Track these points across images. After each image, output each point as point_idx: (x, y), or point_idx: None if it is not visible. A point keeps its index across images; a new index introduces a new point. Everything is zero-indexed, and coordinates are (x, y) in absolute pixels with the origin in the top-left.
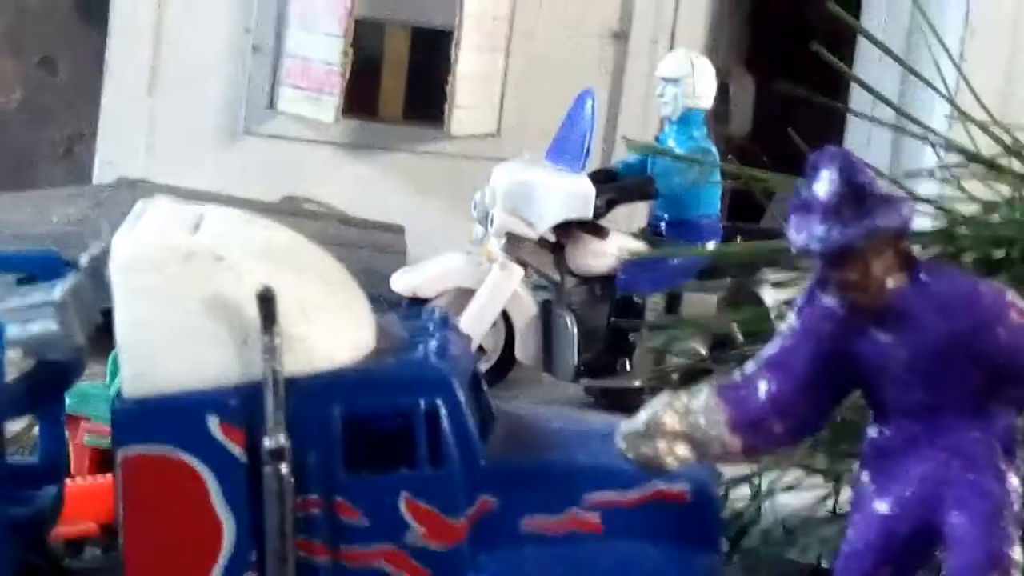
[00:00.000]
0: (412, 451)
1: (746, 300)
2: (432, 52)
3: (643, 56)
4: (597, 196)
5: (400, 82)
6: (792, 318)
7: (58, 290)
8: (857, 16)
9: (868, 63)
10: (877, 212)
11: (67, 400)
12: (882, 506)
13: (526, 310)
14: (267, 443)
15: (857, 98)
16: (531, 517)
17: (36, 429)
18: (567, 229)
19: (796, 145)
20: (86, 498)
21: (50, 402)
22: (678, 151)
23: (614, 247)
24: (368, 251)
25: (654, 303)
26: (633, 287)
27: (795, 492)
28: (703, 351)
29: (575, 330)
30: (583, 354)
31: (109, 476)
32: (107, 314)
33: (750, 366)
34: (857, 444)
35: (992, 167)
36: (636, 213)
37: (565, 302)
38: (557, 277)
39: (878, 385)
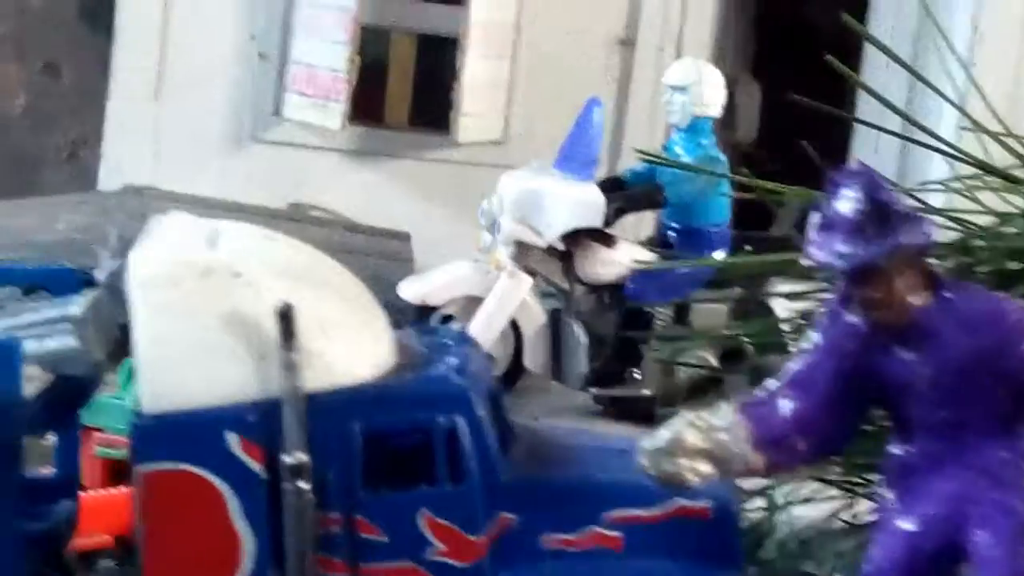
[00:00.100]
0: (432, 468)
1: (755, 310)
2: (438, 59)
3: (649, 64)
4: (606, 205)
5: (406, 89)
6: (815, 335)
7: (76, 305)
8: (864, 23)
9: (875, 69)
10: (900, 230)
11: None
12: (906, 524)
13: (535, 318)
14: (286, 459)
15: (864, 106)
16: (551, 534)
17: (49, 440)
18: (576, 237)
19: (803, 151)
20: (100, 511)
21: (68, 418)
22: (686, 159)
23: (623, 256)
24: (374, 258)
25: (663, 312)
26: (642, 296)
27: (810, 505)
28: (712, 361)
29: (584, 339)
30: (592, 363)
31: (122, 488)
32: (125, 330)
33: (773, 383)
34: (872, 457)
35: (1006, 179)
36: (643, 221)
37: (574, 310)
38: (566, 285)
39: (902, 403)
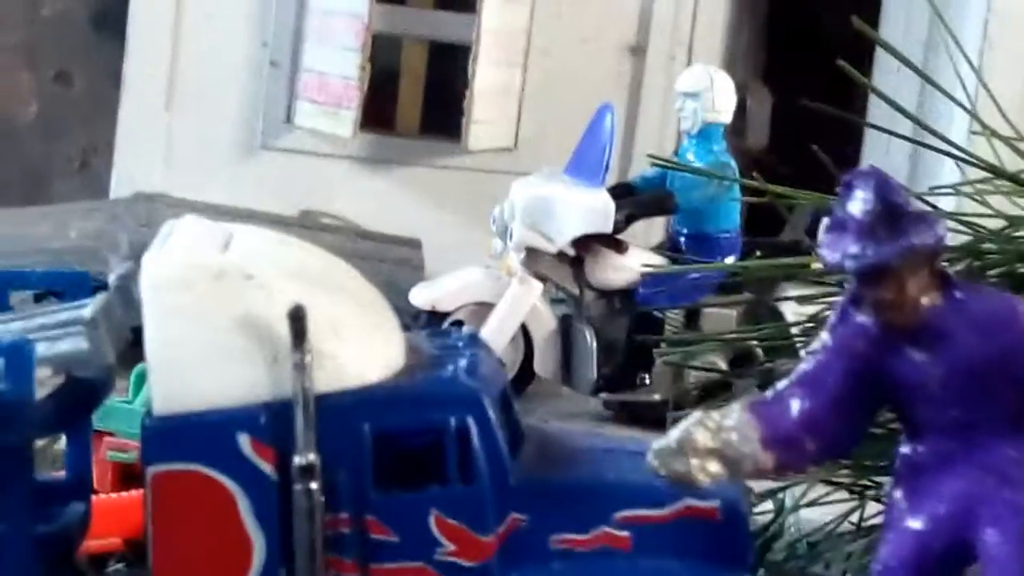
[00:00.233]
0: (442, 468)
1: (766, 315)
2: (449, 67)
3: (660, 71)
4: (616, 210)
5: (417, 96)
6: (825, 336)
7: (88, 308)
8: (875, 30)
9: (886, 75)
10: (912, 231)
11: None
12: (915, 523)
13: (545, 324)
14: (297, 460)
15: (874, 111)
16: (560, 534)
17: (61, 442)
18: (586, 243)
19: (814, 157)
20: (111, 513)
21: (79, 420)
22: (698, 165)
23: (633, 261)
24: (386, 265)
25: (673, 317)
26: (652, 301)
27: (819, 507)
28: (723, 366)
29: (594, 344)
30: (602, 368)
31: (133, 491)
32: (136, 332)
33: (783, 383)
34: (881, 459)
35: (1017, 182)
36: (654, 227)
37: (584, 316)
38: (576, 291)
39: (912, 403)
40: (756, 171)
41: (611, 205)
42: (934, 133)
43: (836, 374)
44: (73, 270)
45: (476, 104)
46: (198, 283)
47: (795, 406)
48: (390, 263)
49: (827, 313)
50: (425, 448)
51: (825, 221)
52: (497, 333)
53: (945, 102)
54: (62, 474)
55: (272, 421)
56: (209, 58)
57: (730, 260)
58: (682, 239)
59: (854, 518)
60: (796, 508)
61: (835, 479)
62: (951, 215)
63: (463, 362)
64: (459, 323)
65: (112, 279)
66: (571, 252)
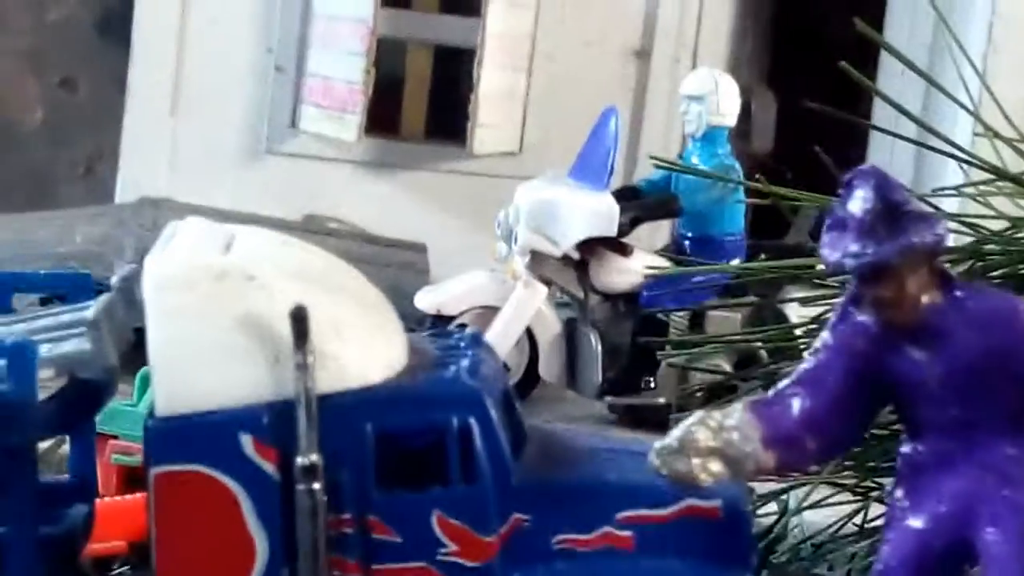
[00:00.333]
0: (445, 469)
1: (770, 318)
2: (454, 71)
3: (665, 75)
4: (621, 214)
5: (422, 101)
6: (826, 335)
7: (91, 310)
8: (879, 33)
9: (890, 78)
10: (912, 229)
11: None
12: (916, 522)
13: (550, 328)
14: (300, 461)
15: (878, 115)
16: (563, 534)
17: (64, 448)
18: (591, 247)
19: (818, 162)
20: (115, 516)
21: (82, 422)
22: (703, 168)
23: (638, 265)
24: (391, 269)
25: (678, 321)
26: (657, 305)
27: (823, 509)
28: (727, 368)
29: (599, 347)
30: (607, 371)
31: (138, 494)
32: (139, 333)
33: (784, 383)
34: (884, 460)
35: (1019, 183)
36: (659, 231)
37: (589, 319)
38: (581, 295)
39: (912, 402)
40: (761, 175)
41: (615, 208)
42: (937, 135)
43: (837, 373)
44: (76, 272)
45: (481, 108)
46: (200, 283)
47: (796, 405)
48: (395, 267)
49: (830, 315)
50: (427, 448)
51: (826, 219)
52: (502, 337)
53: (949, 105)
54: (66, 477)
55: (274, 421)
56: (214, 63)
57: (735, 263)
58: (687, 242)
59: (858, 520)
60: (800, 510)
61: (839, 481)
62: (953, 216)
63: (465, 362)
64: (464, 327)
65: (115, 280)
66: (576, 256)
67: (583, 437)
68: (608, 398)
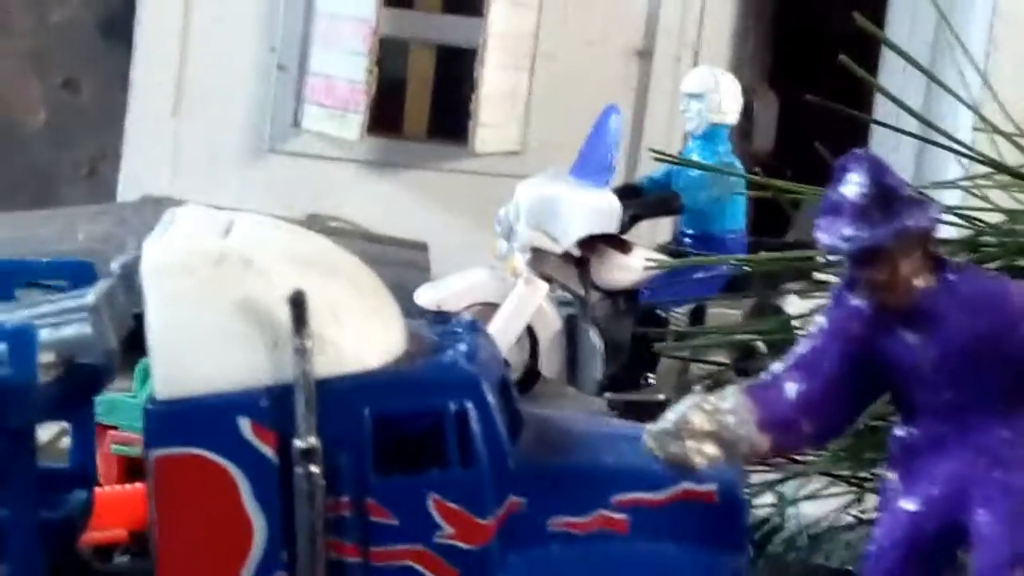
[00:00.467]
0: (442, 452)
1: (770, 314)
2: (457, 70)
3: (667, 74)
4: (622, 211)
5: (425, 100)
6: (821, 318)
7: (90, 295)
8: (881, 30)
9: (892, 75)
10: (905, 213)
11: (96, 409)
12: (909, 504)
13: (551, 324)
14: (298, 444)
15: (880, 114)
16: (559, 517)
17: (66, 438)
18: (592, 244)
19: (820, 162)
20: (116, 506)
21: (82, 406)
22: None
23: (639, 262)
24: (392, 268)
25: (678, 318)
26: (657, 301)
27: (819, 500)
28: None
29: (599, 344)
30: (607, 368)
31: (138, 484)
32: (138, 318)
33: (779, 366)
34: (881, 451)
35: (1017, 176)
36: (660, 228)
37: (589, 316)
38: (582, 292)
39: (906, 385)
40: (763, 174)
41: (616, 206)
42: (937, 129)
43: (831, 357)
44: (78, 260)
45: (483, 108)
46: (199, 268)
47: (791, 389)
48: (396, 266)
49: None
50: (425, 432)
51: (820, 204)
52: (503, 333)
53: (951, 102)
54: (66, 463)
55: (273, 405)
56: (216, 63)
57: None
58: (688, 240)
59: (854, 510)
60: (796, 501)
61: (835, 472)
62: (950, 209)
63: (462, 348)
64: None
65: (114, 266)
66: (576, 253)
67: (579, 422)
68: (608, 394)
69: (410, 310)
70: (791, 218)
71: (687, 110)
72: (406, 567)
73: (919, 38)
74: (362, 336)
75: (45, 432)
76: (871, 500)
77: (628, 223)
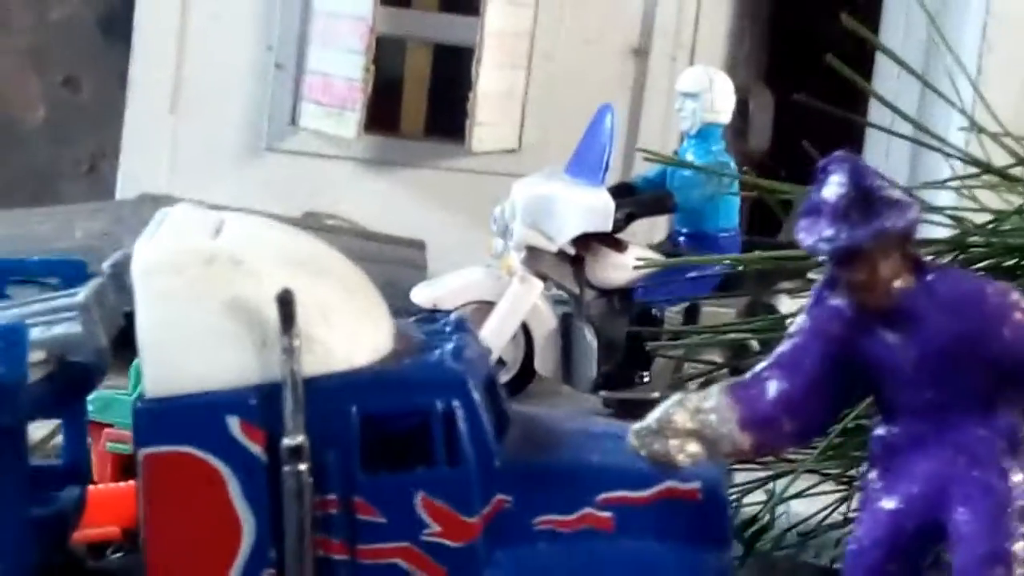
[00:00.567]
0: (429, 451)
1: (763, 313)
2: (454, 69)
3: (663, 73)
4: (616, 209)
5: (421, 99)
6: (802, 318)
7: (81, 294)
8: (876, 32)
9: (887, 79)
10: (885, 214)
11: (90, 407)
12: (889, 503)
13: (546, 323)
14: (286, 442)
15: (876, 115)
16: (545, 515)
17: (59, 437)
18: (586, 242)
19: (815, 161)
20: (110, 503)
21: (73, 404)
22: (695, 163)
23: (633, 260)
24: (389, 266)
25: (673, 316)
26: (652, 300)
27: (808, 498)
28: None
29: (594, 342)
30: (602, 366)
31: (131, 482)
32: (129, 317)
33: (760, 365)
34: (868, 451)
35: (1005, 177)
36: (656, 228)
37: (584, 315)
38: (576, 290)
39: (886, 384)
40: (758, 175)
41: (611, 204)
42: (925, 130)
43: (813, 356)
44: (70, 259)
45: (480, 106)
46: (188, 268)
47: (772, 387)
48: (393, 264)
49: None
50: (412, 431)
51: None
52: (498, 332)
53: (945, 106)
54: (58, 460)
55: (261, 404)
56: (214, 61)
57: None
58: (682, 239)
59: (843, 509)
60: (785, 499)
61: (823, 470)
62: (938, 209)
63: (449, 347)
64: None
65: (105, 265)
66: (571, 251)
67: (565, 421)
68: (603, 393)
69: (407, 308)
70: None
71: (682, 109)
72: (393, 565)
73: (914, 38)
74: (350, 335)
75: (40, 431)
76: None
77: (623, 222)
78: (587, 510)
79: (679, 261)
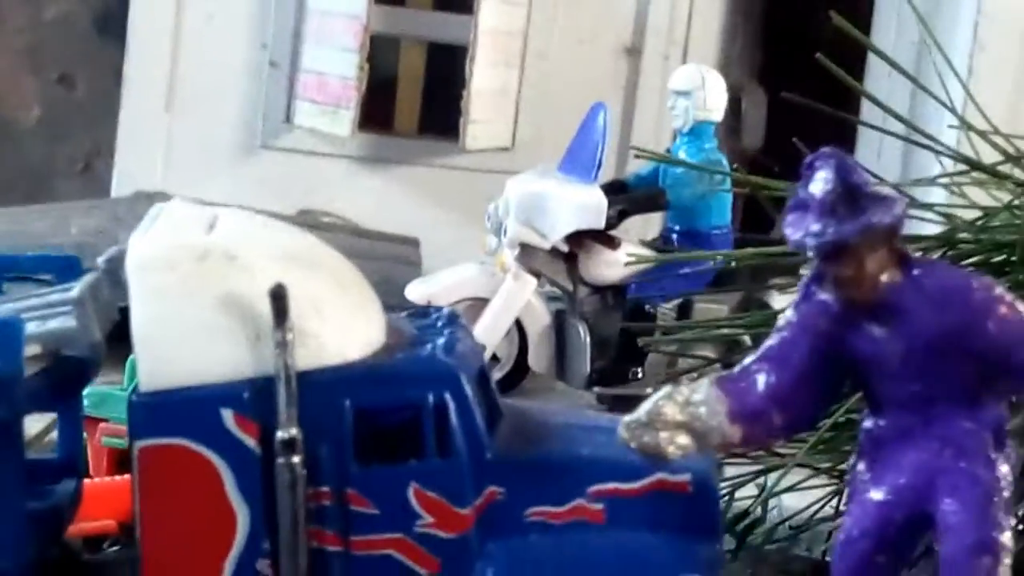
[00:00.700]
0: (421, 443)
1: (756, 309)
2: (447, 67)
3: (656, 72)
4: (609, 207)
5: (415, 97)
6: (790, 312)
7: (76, 288)
8: (868, 31)
9: (879, 78)
10: (871, 209)
11: (85, 402)
12: (877, 494)
13: (539, 319)
14: (280, 435)
15: (868, 113)
16: (537, 507)
17: (54, 432)
18: (579, 239)
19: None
20: (106, 497)
21: (68, 398)
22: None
23: (626, 257)
24: (384, 263)
25: (666, 313)
26: (645, 296)
27: (800, 492)
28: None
29: (587, 339)
30: (595, 362)
31: (127, 476)
32: (124, 312)
33: (750, 359)
34: None
35: (993, 174)
36: (649, 225)
37: (578, 311)
38: (570, 287)
39: (873, 378)
40: (751, 173)
41: (603, 202)
42: (915, 128)
43: (801, 350)
44: (64, 254)
45: (473, 104)
46: (182, 263)
47: (761, 381)
48: (388, 261)
49: None
50: (404, 423)
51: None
52: (492, 328)
53: (936, 105)
54: (53, 454)
55: (255, 397)
56: (209, 59)
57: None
58: (674, 236)
59: (834, 502)
60: (777, 493)
61: (815, 464)
62: (927, 206)
63: (441, 341)
64: None
65: (100, 261)
66: (564, 248)
67: (556, 413)
68: (596, 388)
69: (401, 305)
70: (771, 214)
71: (674, 107)
72: (386, 556)
73: (906, 37)
74: (343, 329)
75: (35, 426)
76: None
77: (615, 219)
78: (578, 502)
79: (669, 257)
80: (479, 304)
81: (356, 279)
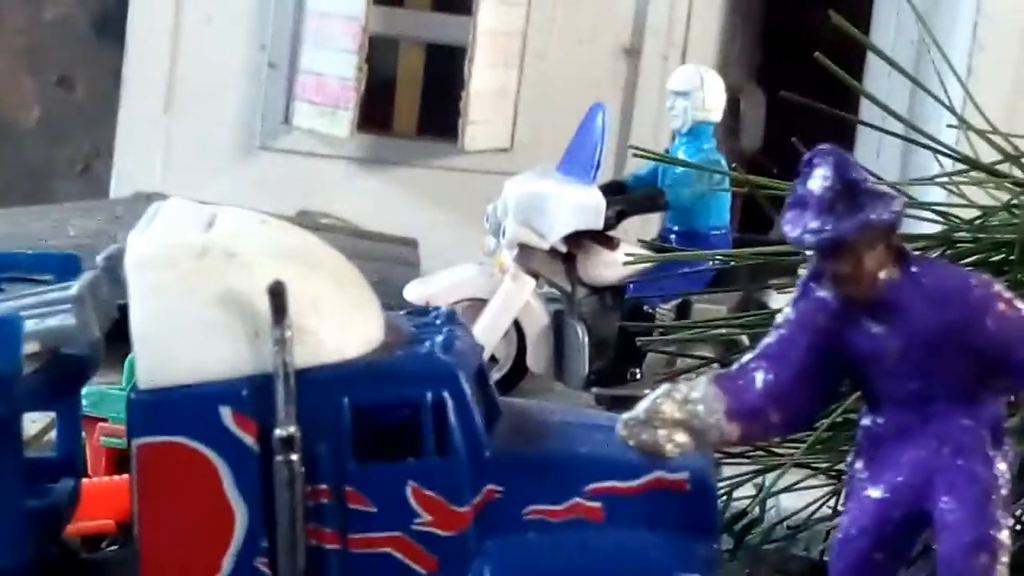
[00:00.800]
0: (419, 441)
1: (754, 309)
2: (446, 68)
3: (655, 73)
4: (607, 207)
5: (414, 98)
6: (788, 310)
7: (75, 286)
8: (867, 30)
9: (878, 77)
10: (869, 206)
11: (84, 401)
12: (875, 492)
13: (538, 320)
14: (278, 433)
15: (867, 113)
16: (535, 505)
17: (53, 432)
18: (578, 240)
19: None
20: (104, 496)
21: (67, 396)
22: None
23: (624, 257)
24: (382, 263)
25: (664, 313)
26: (643, 296)
27: (798, 492)
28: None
29: (586, 339)
30: (594, 363)
31: (125, 475)
32: (123, 310)
33: (748, 357)
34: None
35: (992, 174)
36: (648, 225)
37: (576, 312)
38: (568, 287)
39: (871, 375)
40: (750, 173)
41: (602, 202)
42: (914, 128)
43: (799, 348)
44: (63, 253)
45: (472, 105)
46: (181, 261)
47: (759, 378)
48: (386, 262)
49: None
50: (402, 421)
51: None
52: (490, 329)
53: (935, 104)
54: (52, 453)
55: (254, 395)
56: (208, 60)
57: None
58: (673, 236)
59: (832, 502)
60: (775, 493)
61: (813, 464)
62: (926, 205)
63: (440, 339)
64: None
65: (99, 259)
66: (563, 248)
67: (555, 412)
68: (595, 389)
69: (400, 305)
70: (770, 214)
71: (673, 107)
72: (384, 554)
73: (905, 36)
74: (342, 327)
75: (34, 425)
76: None
77: (614, 219)
78: (576, 500)
79: (668, 257)
80: (477, 305)
81: (355, 277)
